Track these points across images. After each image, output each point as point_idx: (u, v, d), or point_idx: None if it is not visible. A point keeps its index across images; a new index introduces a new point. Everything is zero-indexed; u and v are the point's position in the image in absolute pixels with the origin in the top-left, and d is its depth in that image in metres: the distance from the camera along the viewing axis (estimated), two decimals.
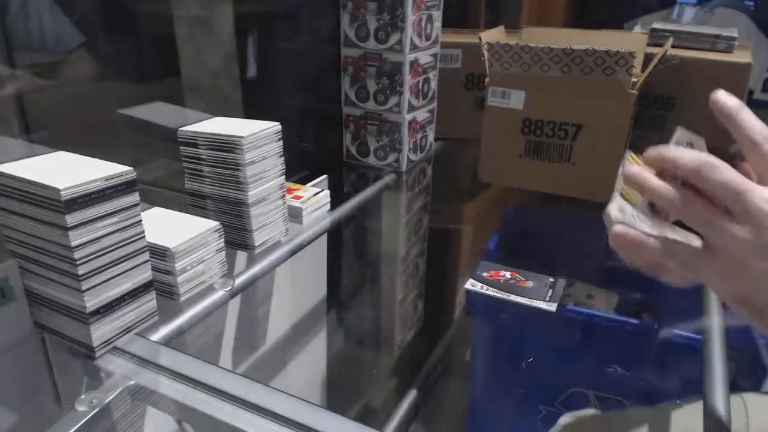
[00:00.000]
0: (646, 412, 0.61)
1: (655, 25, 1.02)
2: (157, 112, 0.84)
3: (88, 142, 0.75)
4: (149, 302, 0.55)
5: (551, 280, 0.75)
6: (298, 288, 0.96)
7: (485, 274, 0.75)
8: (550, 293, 0.71)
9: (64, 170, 0.48)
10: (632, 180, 0.43)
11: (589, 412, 0.68)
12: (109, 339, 0.51)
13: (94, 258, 0.48)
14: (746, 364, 0.65)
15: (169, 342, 0.55)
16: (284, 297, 0.88)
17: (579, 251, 0.97)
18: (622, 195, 0.46)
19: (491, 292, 0.71)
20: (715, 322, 0.58)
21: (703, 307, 0.61)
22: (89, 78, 0.75)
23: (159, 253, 0.57)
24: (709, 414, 0.46)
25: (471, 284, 0.73)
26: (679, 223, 0.43)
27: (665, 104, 0.97)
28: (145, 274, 0.53)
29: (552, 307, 0.68)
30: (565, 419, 0.67)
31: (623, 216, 0.44)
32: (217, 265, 0.63)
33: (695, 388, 0.55)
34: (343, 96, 1.05)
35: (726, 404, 0.46)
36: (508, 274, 0.75)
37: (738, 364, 0.64)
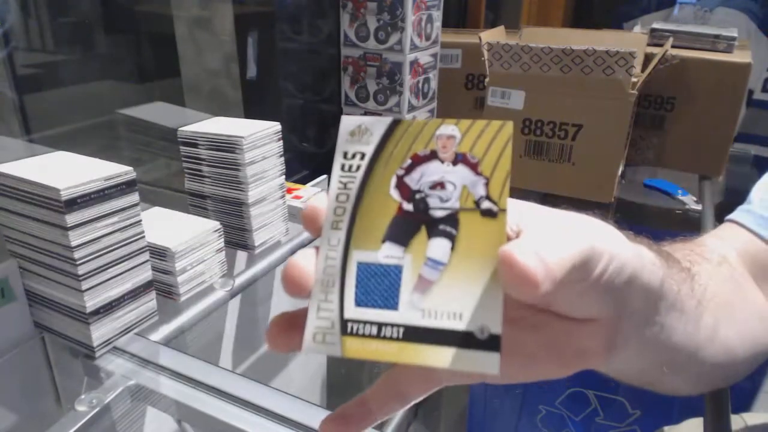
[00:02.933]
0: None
1: (655, 25, 1.02)
2: (156, 112, 0.84)
3: (88, 141, 0.75)
4: (149, 302, 0.55)
5: None
6: None
7: None
8: None
9: (64, 170, 0.48)
10: None
11: None
12: (109, 339, 0.51)
13: (94, 258, 0.48)
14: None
15: (169, 342, 0.55)
16: (284, 297, 0.88)
17: None
18: None
19: None
20: None
21: None
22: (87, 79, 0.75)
23: (159, 253, 0.57)
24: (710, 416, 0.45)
25: None
26: None
27: (665, 104, 0.97)
28: (145, 274, 0.53)
29: None
30: None
31: None
32: (217, 265, 0.63)
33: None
34: (343, 96, 1.05)
35: (727, 408, 0.46)
36: None
37: None
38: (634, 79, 0.81)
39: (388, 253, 0.21)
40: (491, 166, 0.22)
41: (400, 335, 0.20)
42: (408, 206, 0.22)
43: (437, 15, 1.04)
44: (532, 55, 0.84)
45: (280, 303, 0.88)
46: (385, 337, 0.20)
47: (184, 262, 0.58)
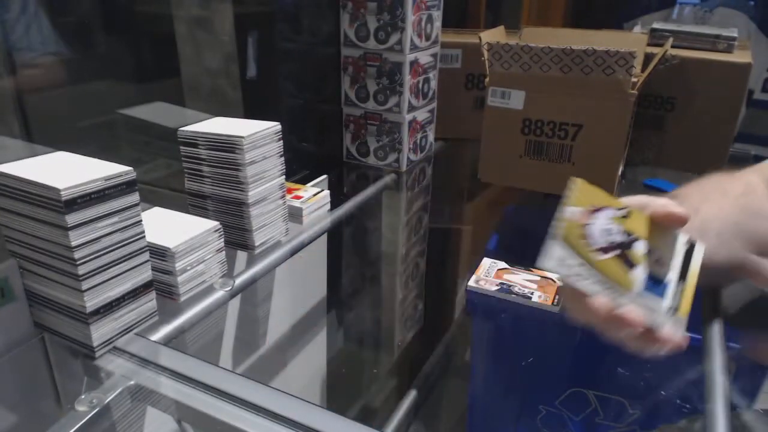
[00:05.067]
0: None
1: (655, 25, 1.03)
2: (156, 112, 0.84)
3: (88, 141, 0.75)
4: (149, 302, 0.55)
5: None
6: (298, 288, 0.96)
7: (488, 274, 0.75)
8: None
9: (64, 170, 0.48)
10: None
11: None
12: (109, 339, 0.51)
13: (94, 258, 0.48)
14: (744, 366, 0.65)
15: (169, 342, 0.55)
16: (284, 297, 0.88)
17: None
18: (564, 238, 0.37)
19: (491, 291, 0.71)
20: (714, 324, 0.58)
21: (702, 307, 0.60)
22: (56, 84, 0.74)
23: (159, 253, 0.57)
24: (710, 421, 0.45)
25: (474, 281, 0.73)
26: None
27: (665, 104, 0.97)
28: (145, 274, 0.53)
29: (555, 308, 0.68)
30: None
31: (565, 269, 0.36)
32: (217, 265, 0.63)
33: (695, 386, 0.55)
34: (343, 96, 1.05)
35: (727, 410, 0.46)
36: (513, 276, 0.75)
37: (737, 365, 0.64)
38: (634, 79, 0.81)
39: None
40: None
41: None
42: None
43: (437, 15, 1.04)
44: (532, 55, 0.84)
45: (280, 303, 0.88)
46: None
47: (184, 262, 0.58)
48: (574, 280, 0.36)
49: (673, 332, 0.37)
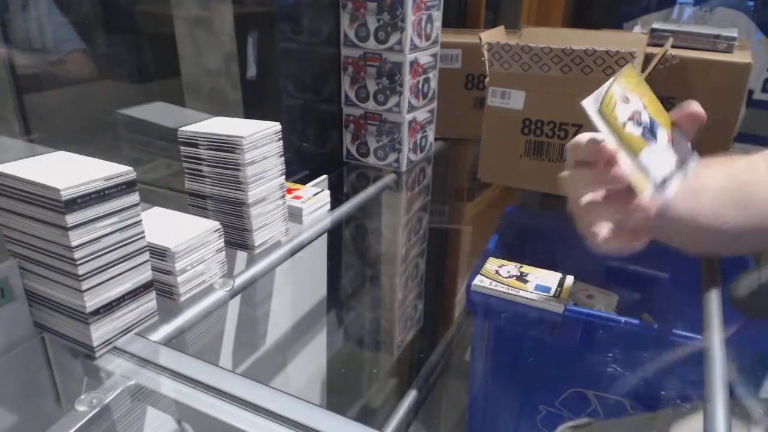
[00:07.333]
0: (645, 417, 0.62)
1: (655, 25, 1.02)
2: (156, 112, 0.84)
3: (88, 142, 0.75)
4: (149, 302, 0.55)
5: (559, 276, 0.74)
6: (298, 288, 0.96)
7: (490, 270, 0.75)
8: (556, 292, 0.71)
9: (64, 170, 0.48)
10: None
11: (586, 420, 0.69)
12: (109, 339, 0.51)
13: (94, 258, 0.48)
14: (746, 363, 0.65)
15: (169, 342, 0.55)
16: (284, 297, 0.88)
17: (579, 251, 0.96)
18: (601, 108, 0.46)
19: (492, 291, 0.71)
20: (714, 321, 0.58)
21: (702, 306, 0.61)
22: (86, 79, 0.75)
23: (159, 253, 0.57)
24: (710, 419, 0.46)
25: (479, 280, 0.73)
26: None
27: (665, 104, 0.96)
28: (145, 274, 0.53)
29: (558, 308, 0.68)
30: (562, 428, 0.67)
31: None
32: (217, 265, 0.63)
33: (695, 387, 0.55)
34: (343, 96, 1.05)
35: (726, 409, 0.46)
36: (513, 269, 0.75)
37: (738, 364, 0.64)
38: None
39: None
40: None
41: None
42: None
43: (437, 15, 1.04)
44: (532, 55, 0.84)
45: (280, 303, 0.88)
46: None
47: (184, 262, 0.58)
48: (602, 135, 0.45)
49: (650, 198, 0.44)
